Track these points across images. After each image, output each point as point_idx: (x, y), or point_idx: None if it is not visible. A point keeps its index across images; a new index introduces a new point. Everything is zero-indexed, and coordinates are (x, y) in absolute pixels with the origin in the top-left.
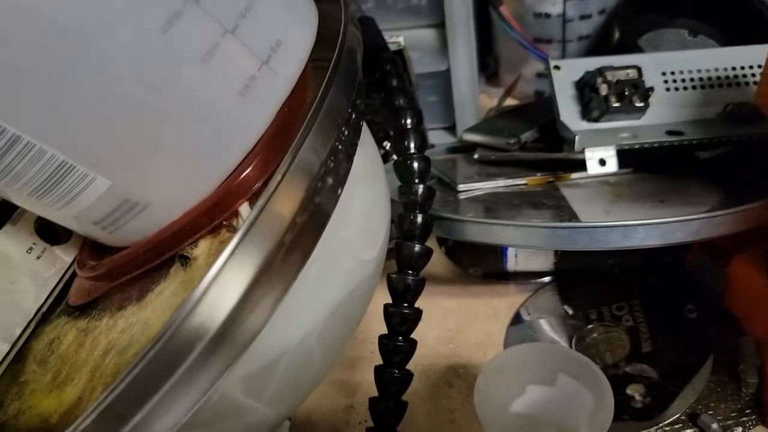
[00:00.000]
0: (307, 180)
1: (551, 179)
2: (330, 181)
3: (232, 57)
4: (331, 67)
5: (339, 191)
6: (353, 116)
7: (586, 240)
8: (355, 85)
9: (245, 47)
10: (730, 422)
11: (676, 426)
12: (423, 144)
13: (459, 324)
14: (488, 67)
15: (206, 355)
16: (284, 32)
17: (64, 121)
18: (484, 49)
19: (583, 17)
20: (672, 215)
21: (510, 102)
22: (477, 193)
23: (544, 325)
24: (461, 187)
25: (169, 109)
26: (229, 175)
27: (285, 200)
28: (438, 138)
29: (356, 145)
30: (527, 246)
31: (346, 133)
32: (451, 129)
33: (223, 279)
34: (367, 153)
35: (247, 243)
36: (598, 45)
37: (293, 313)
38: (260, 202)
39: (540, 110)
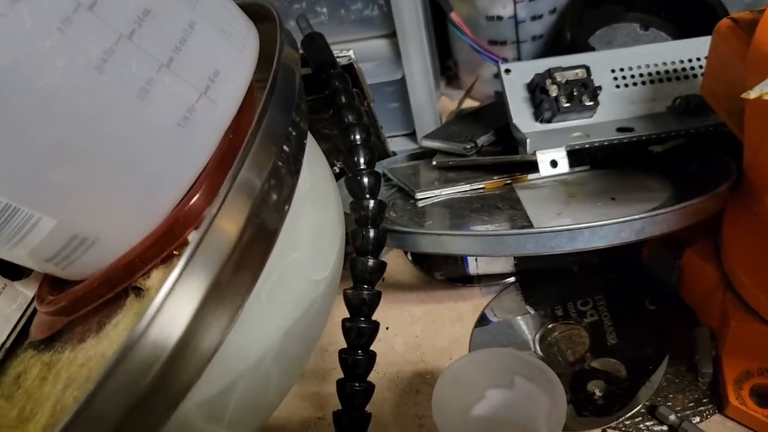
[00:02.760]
0: (250, 199)
1: (508, 181)
2: (274, 197)
3: (168, 90)
4: (267, 89)
5: (286, 208)
6: (294, 134)
7: (533, 245)
8: (293, 104)
9: (182, 80)
10: (688, 412)
11: (636, 419)
12: (372, 159)
13: (425, 330)
14: (449, 70)
15: (159, 383)
16: (222, 61)
17: (2, 165)
18: (444, 52)
19: (534, 18)
20: (619, 215)
21: (470, 103)
22: (436, 199)
23: (510, 325)
24: (419, 195)
25: (107, 146)
26: (177, 205)
27: (229, 221)
28: (400, 145)
29: (300, 161)
30: (479, 254)
31: (287, 150)
32: (412, 135)
33: (172, 304)
34: (314, 172)
35: (194, 266)
36: (552, 43)
37: (247, 336)
38: (203, 225)
39: (496, 113)
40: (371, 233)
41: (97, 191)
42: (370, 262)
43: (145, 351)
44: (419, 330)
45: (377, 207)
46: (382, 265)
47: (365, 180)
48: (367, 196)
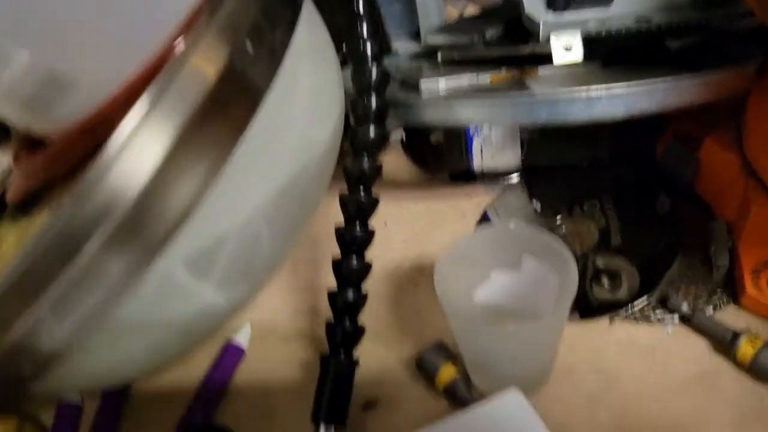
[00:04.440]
0: (230, 43)
1: (517, 75)
2: (261, 47)
3: None
4: None
5: (276, 62)
6: None
7: (547, 112)
8: None
9: None
10: (700, 301)
11: (646, 310)
12: (376, 29)
13: (426, 227)
14: None
15: (133, 224)
16: None
17: None
18: None
19: None
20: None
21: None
22: (441, 93)
23: (513, 223)
24: (423, 83)
25: None
26: (160, 53)
27: (204, 60)
28: (402, 45)
29: (298, 12)
30: (488, 121)
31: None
32: (416, 35)
33: (138, 141)
34: (312, 29)
35: (166, 100)
36: None
37: (235, 191)
38: (176, 57)
39: (505, 10)
40: (373, 100)
41: (72, 25)
42: (371, 130)
43: (104, 193)
44: (419, 227)
45: (381, 74)
46: (385, 135)
47: (368, 46)
48: (370, 62)
